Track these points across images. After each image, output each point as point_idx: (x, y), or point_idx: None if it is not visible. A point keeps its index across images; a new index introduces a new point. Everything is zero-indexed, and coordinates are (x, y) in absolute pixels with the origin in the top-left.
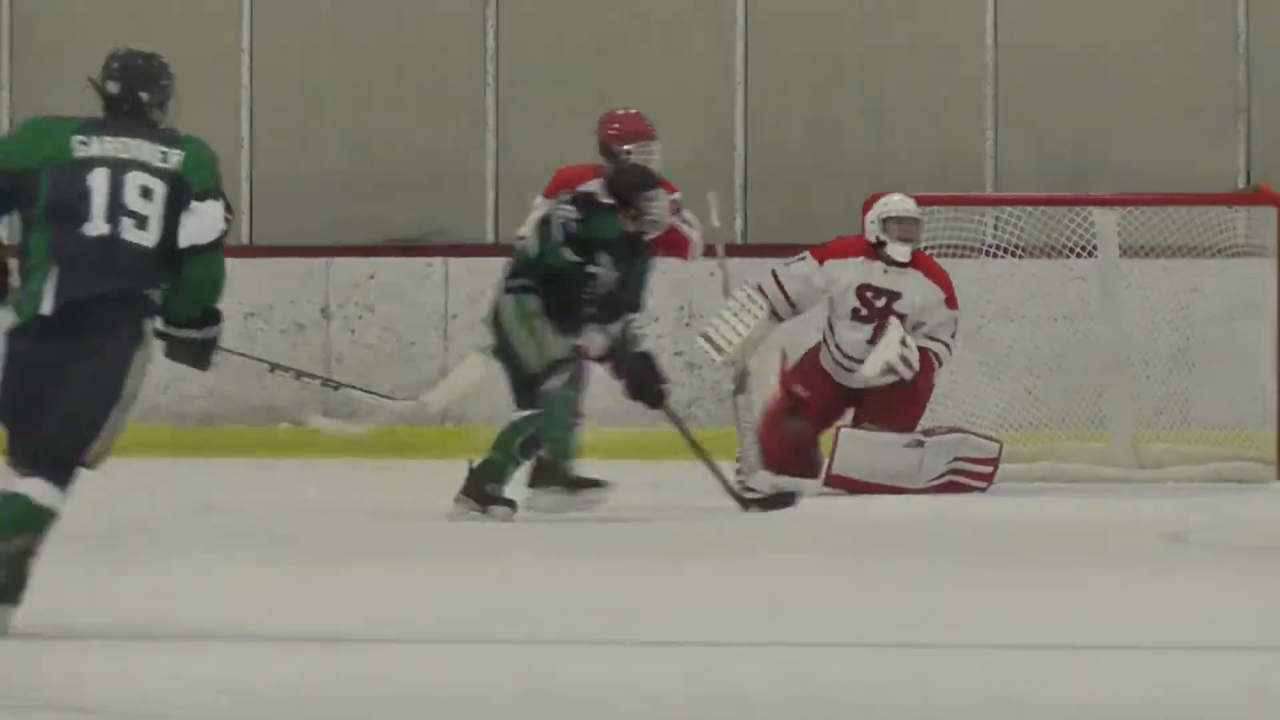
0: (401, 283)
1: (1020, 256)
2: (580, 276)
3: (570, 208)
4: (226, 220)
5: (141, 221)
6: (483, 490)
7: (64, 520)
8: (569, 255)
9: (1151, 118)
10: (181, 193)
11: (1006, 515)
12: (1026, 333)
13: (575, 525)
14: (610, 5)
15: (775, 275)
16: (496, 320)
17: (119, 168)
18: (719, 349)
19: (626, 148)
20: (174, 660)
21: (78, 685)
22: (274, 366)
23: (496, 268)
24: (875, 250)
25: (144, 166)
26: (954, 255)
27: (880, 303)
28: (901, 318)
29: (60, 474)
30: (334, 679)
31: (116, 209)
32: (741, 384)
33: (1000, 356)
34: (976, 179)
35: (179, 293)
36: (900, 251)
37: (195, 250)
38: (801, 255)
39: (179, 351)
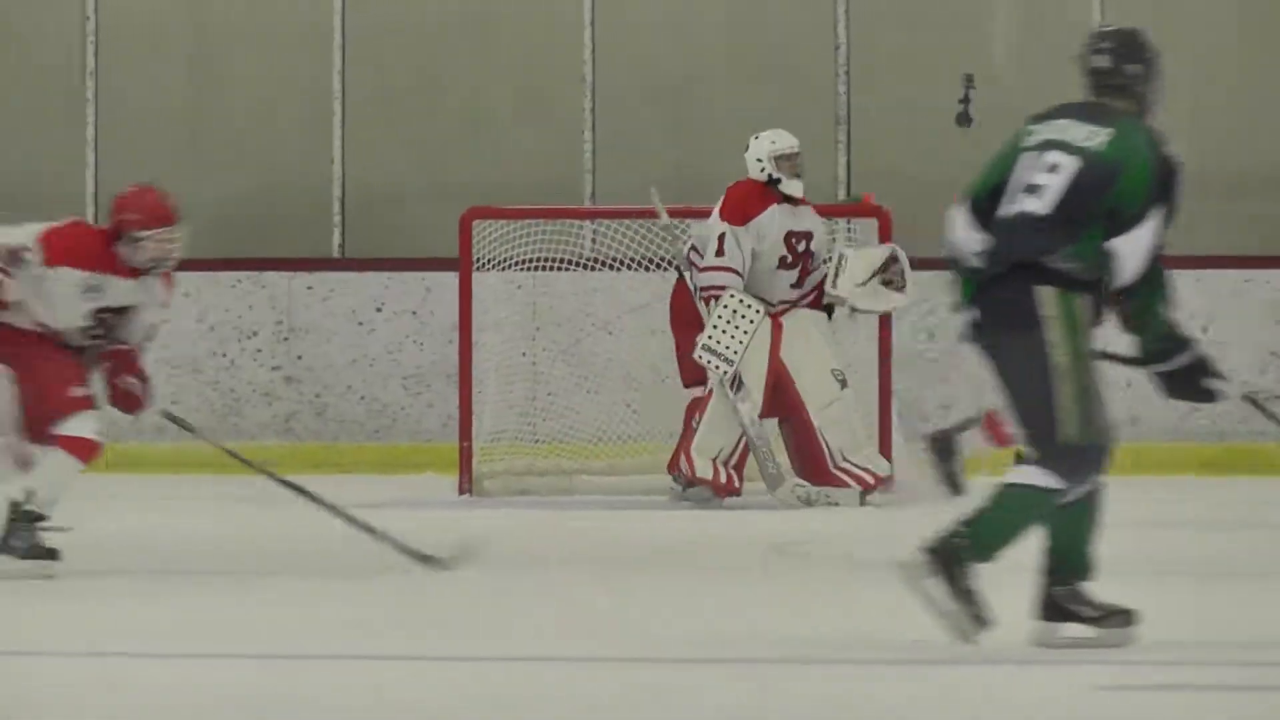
0: None
1: (618, 270)
2: None
3: None
4: (1167, 217)
5: (1037, 191)
6: None
7: None
8: None
9: (752, 131)
10: (1095, 169)
11: (620, 529)
12: (625, 346)
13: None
14: (209, 27)
15: (718, 267)
16: None
17: (1043, 148)
18: (727, 360)
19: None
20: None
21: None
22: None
23: None
24: (772, 190)
25: (1064, 146)
26: (553, 269)
27: (801, 246)
28: (812, 255)
29: (1047, 458)
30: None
31: (1023, 187)
32: (737, 389)
33: (599, 369)
34: (575, 193)
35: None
36: (796, 187)
37: (1125, 291)
38: (684, 226)
39: (1172, 389)
